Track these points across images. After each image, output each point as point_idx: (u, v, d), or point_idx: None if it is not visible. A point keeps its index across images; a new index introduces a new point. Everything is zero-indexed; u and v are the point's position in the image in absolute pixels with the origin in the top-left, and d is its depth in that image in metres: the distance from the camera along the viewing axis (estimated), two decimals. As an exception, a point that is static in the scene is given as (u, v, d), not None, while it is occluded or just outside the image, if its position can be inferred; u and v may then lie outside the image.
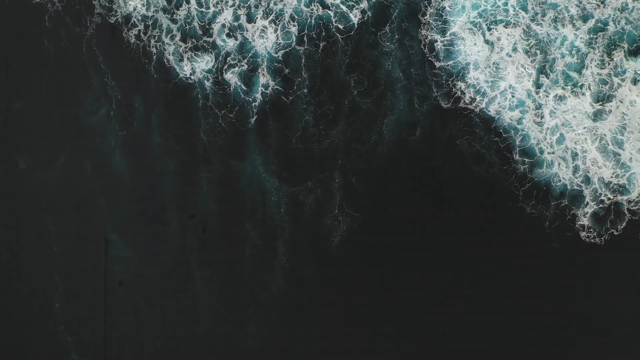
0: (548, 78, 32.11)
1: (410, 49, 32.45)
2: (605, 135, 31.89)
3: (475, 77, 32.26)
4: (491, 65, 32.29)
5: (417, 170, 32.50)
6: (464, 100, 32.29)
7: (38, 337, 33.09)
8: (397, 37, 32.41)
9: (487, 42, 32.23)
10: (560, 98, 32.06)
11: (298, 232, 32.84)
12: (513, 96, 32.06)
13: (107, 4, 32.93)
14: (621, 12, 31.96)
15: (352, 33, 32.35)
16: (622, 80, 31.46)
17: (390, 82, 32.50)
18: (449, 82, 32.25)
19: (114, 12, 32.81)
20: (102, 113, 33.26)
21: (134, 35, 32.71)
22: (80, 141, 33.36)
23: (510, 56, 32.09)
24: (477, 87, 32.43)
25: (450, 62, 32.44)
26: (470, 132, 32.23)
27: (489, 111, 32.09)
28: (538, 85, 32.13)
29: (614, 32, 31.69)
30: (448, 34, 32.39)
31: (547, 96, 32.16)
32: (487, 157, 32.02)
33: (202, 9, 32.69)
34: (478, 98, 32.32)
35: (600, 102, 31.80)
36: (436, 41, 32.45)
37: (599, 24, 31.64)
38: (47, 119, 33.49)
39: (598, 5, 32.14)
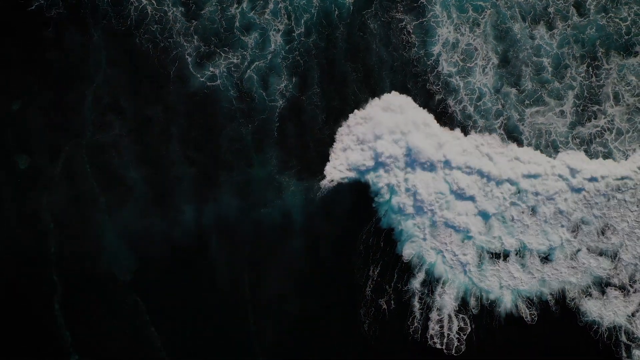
0: (520, 84, 32.72)
1: (388, 29, 33.54)
2: (591, 136, 32.51)
3: (446, 69, 32.91)
4: (460, 54, 32.86)
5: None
6: (436, 98, 33.14)
7: (38, 337, 32.98)
8: (380, 13, 33.44)
9: (462, 23, 32.95)
10: (535, 100, 32.66)
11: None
12: (480, 99, 32.63)
13: (113, 7, 33.39)
14: (604, 12, 32.76)
15: (348, 20, 33.29)
16: (607, 77, 32.13)
17: (380, 64, 33.50)
18: (421, 77, 33.16)
19: (126, 13, 33.27)
20: (114, 127, 33.81)
21: (151, 35, 33.25)
22: (81, 140, 33.61)
23: (477, 36, 32.55)
24: (448, 81, 33.03)
25: (423, 51, 33.23)
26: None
27: (458, 115, 32.92)
28: (498, 90, 32.74)
29: (598, 27, 32.60)
30: (427, 16, 33.20)
31: (524, 105, 32.62)
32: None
33: (224, 4, 33.38)
34: (449, 101, 32.97)
35: (582, 103, 32.25)
36: (402, 20, 33.23)
37: (581, 21, 32.62)
38: (49, 119, 33.73)
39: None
